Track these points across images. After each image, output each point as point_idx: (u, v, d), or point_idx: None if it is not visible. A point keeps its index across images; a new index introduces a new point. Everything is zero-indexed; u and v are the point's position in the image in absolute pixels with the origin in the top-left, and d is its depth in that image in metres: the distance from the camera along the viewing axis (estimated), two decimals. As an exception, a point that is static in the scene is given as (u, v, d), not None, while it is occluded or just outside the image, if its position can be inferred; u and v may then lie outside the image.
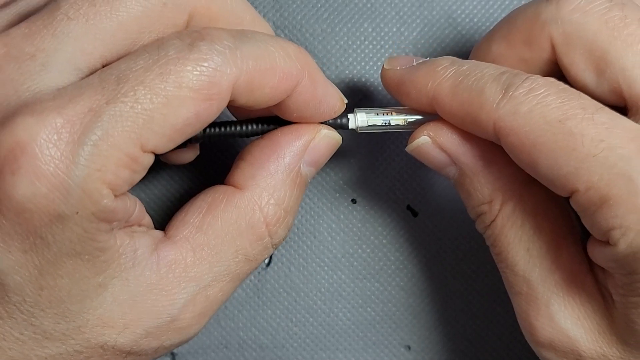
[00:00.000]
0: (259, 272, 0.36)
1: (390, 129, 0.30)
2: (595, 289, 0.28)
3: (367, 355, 0.36)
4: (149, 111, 0.24)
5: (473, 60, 0.28)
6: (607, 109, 0.25)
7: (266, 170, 0.28)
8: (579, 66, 0.27)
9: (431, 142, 0.29)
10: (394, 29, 0.36)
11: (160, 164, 0.32)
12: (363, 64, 0.36)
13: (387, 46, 0.36)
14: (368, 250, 0.36)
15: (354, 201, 0.36)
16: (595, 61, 0.27)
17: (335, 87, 0.29)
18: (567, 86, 0.26)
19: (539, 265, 0.28)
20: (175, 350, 0.36)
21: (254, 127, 0.29)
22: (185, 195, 0.31)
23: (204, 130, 0.29)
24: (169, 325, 0.27)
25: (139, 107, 0.24)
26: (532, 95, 0.25)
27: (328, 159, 0.30)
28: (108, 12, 0.25)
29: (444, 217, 0.36)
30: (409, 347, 0.36)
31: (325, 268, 0.36)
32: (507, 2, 0.36)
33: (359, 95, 0.36)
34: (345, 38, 0.36)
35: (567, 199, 0.26)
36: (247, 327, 0.36)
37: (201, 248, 0.27)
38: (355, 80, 0.36)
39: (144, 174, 0.25)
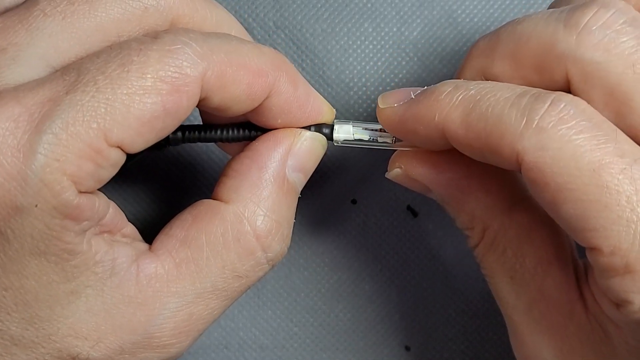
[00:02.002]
0: (259, 273, 0.36)
1: (375, 145, 0.29)
2: (585, 319, 0.26)
3: (367, 356, 0.36)
4: (111, 101, 0.23)
5: (479, 82, 0.25)
6: None
7: (249, 180, 0.27)
8: (596, 105, 0.24)
9: (404, 175, 0.28)
10: (394, 29, 0.36)
11: (153, 180, 0.31)
12: (363, 64, 0.36)
13: (387, 46, 0.36)
14: (368, 250, 0.36)
15: (354, 201, 0.36)
16: (616, 105, 0.24)
17: (321, 96, 0.28)
18: (601, 118, 0.23)
19: (523, 294, 0.27)
20: (175, 351, 0.36)
21: (235, 132, 0.28)
22: (176, 210, 0.30)
23: (183, 133, 0.28)
24: (146, 342, 0.26)
25: (100, 96, 0.23)
26: (563, 128, 0.22)
27: (316, 163, 0.29)
28: (86, 12, 0.25)
29: (444, 217, 0.36)
30: (409, 348, 0.36)
31: (326, 268, 0.36)
32: (507, 2, 0.36)
33: (359, 95, 0.36)
34: (346, 38, 0.36)
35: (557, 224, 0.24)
36: (247, 327, 0.36)
37: (185, 262, 0.26)
38: (355, 80, 0.36)
39: (112, 171, 0.24)
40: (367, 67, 0.36)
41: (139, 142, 0.24)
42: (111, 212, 0.26)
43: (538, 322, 0.26)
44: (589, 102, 0.24)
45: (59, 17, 0.25)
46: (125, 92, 0.23)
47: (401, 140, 0.28)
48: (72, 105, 0.23)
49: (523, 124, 0.23)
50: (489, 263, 0.28)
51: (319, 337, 0.36)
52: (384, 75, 0.36)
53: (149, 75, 0.23)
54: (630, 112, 0.24)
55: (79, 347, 0.25)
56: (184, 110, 0.25)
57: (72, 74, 0.24)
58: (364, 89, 0.36)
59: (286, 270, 0.36)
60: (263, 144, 0.28)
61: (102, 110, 0.23)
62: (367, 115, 0.36)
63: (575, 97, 0.23)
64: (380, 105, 0.27)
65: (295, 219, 0.29)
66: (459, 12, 0.36)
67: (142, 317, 0.25)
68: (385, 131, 0.28)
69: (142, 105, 0.23)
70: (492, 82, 0.25)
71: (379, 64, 0.36)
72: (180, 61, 0.24)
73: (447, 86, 0.25)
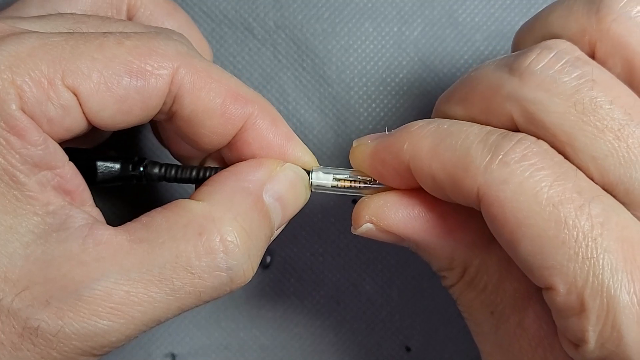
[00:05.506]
0: (259, 273, 0.36)
1: (352, 192, 0.28)
2: (564, 353, 0.25)
3: (368, 356, 0.36)
4: (80, 49, 0.24)
5: (451, 120, 0.26)
6: (602, 196, 0.23)
7: (224, 187, 0.26)
8: None
9: (375, 228, 0.27)
10: (395, 29, 0.36)
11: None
12: (364, 63, 0.36)
13: (388, 46, 0.36)
14: (368, 250, 0.36)
15: (354, 201, 0.36)
16: (561, 146, 0.24)
17: (304, 145, 0.28)
18: (561, 158, 0.23)
19: (503, 329, 0.26)
20: (175, 351, 0.36)
21: (212, 174, 0.28)
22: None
23: (160, 169, 0.28)
24: (74, 303, 0.24)
25: (72, 42, 0.24)
26: (525, 164, 0.23)
27: (295, 199, 0.28)
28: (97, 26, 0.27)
29: (444, 217, 0.36)
30: (409, 349, 0.36)
31: (325, 271, 0.36)
32: (508, 2, 0.36)
33: (359, 95, 0.36)
34: (346, 38, 0.36)
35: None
36: (247, 327, 0.36)
37: (139, 241, 0.25)
38: (356, 79, 0.36)
39: (61, 115, 0.24)
40: (368, 67, 0.36)
41: (96, 99, 0.24)
42: (69, 169, 0.25)
43: (518, 358, 0.26)
44: None
45: (71, 20, 0.26)
46: (96, 48, 0.24)
47: (377, 183, 0.28)
48: (42, 38, 0.24)
49: (488, 158, 0.23)
50: (468, 300, 0.27)
51: (319, 337, 0.36)
52: (384, 75, 0.36)
53: (123, 47, 0.25)
54: (575, 152, 0.23)
55: (3, 292, 0.23)
56: (150, 93, 0.25)
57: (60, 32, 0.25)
58: (365, 88, 0.36)
59: (286, 271, 0.36)
60: (245, 163, 0.27)
61: (68, 51, 0.24)
62: (367, 115, 0.36)
63: (539, 140, 0.24)
64: (354, 144, 0.28)
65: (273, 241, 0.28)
66: (460, 11, 0.36)
67: (78, 276, 0.24)
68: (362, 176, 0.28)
69: (108, 63, 0.24)
70: (464, 121, 0.26)
71: (380, 63, 0.36)
72: (157, 47, 0.25)
73: (421, 121, 0.26)
